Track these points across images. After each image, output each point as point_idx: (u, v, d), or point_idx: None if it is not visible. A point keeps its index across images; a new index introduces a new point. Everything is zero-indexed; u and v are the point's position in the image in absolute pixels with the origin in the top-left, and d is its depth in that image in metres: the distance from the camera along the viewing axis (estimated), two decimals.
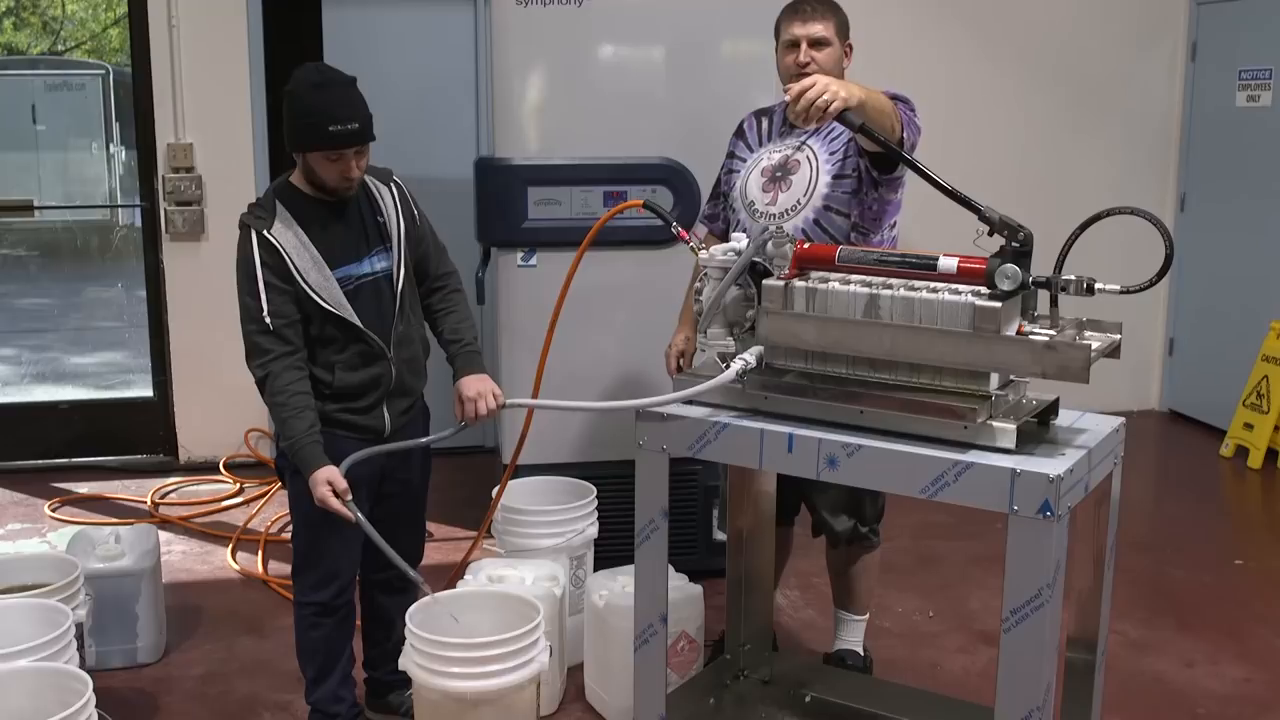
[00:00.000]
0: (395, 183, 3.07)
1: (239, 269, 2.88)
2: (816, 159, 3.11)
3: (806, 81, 2.57)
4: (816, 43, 3.08)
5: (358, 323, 2.92)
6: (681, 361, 3.32)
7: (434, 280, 3.13)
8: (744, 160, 3.29)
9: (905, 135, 2.85)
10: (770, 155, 3.21)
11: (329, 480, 2.79)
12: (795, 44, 3.10)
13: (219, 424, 5.56)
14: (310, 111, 2.79)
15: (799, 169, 3.13)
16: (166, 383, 5.59)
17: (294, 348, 2.87)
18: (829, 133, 3.11)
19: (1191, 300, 6.47)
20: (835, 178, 3.08)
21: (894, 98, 2.90)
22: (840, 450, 2.30)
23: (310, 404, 2.86)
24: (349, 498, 2.81)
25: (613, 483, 3.74)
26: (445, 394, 3.09)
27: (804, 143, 3.15)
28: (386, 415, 3.02)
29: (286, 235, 2.85)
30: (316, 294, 2.86)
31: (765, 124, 3.30)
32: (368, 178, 2.98)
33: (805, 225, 3.08)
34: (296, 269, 2.84)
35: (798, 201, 3.11)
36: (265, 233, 2.84)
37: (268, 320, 2.83)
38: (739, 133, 3.36)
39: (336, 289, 2.89)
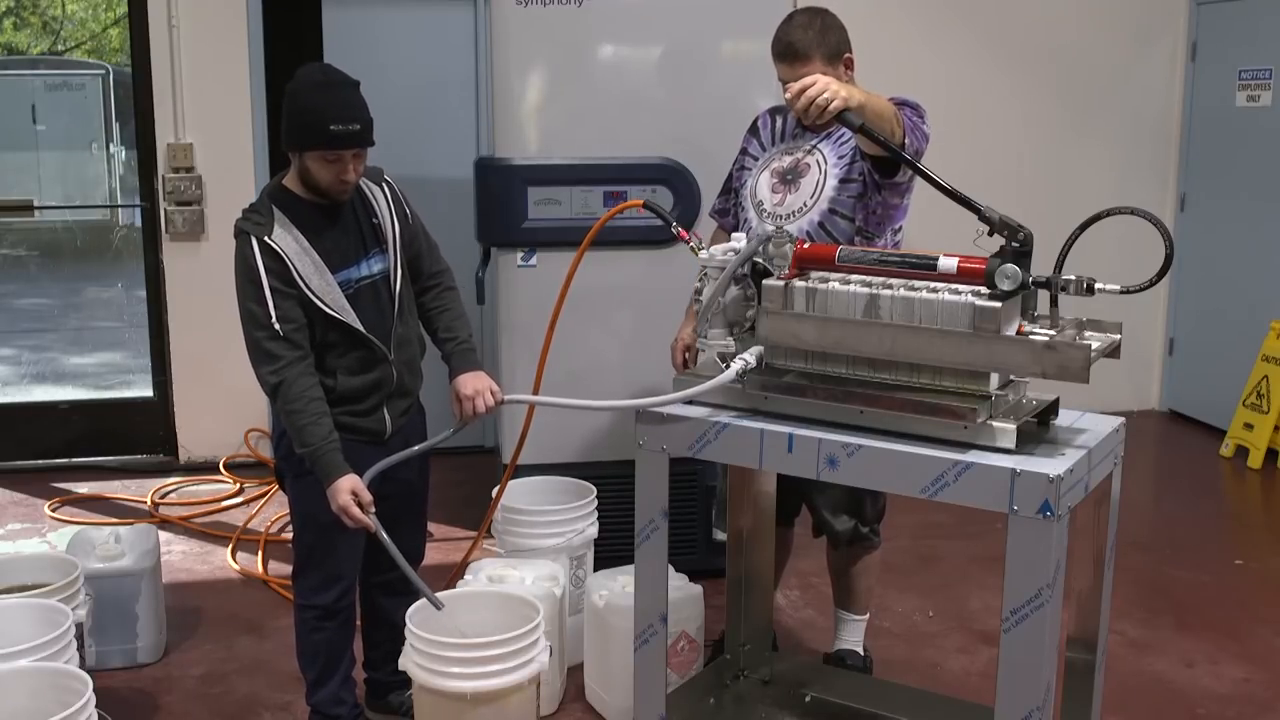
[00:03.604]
0: (387, 182, 3.05)
1: (240, 276, 2.85)
2: (825, 162, 3.11)
3: (807, 80, 2.57)
4: None
5: (360, 328, 2.91)
6: (688, 356, 3.31)
7: (427, 279, 3.12)
8: (756, 158, 3.29)
9: (908, 140, 2.84)
10: (782, 157, 3.20)
11: (353, 490, 2.79)
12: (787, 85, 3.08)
13: (219, 424, 5.56)
14: (311, 110, 2.77)
15: (808, 172, 3.13)
16: (166, 383, 5.59)
17: (304, 353, 2.85)
18: (839, 137, 3.11)
19: (1191, 300, 6.47)
20: (841, 181, 3.08)
21: (903, 104, 2.89)
22: (840, 450, 2.30)
23: (326, 410, 2.84)
24: (373, 510, 2.81)
25: (613, 483, 3.74)
26: (442, 393, 3.09)
27: (815, 146, 3.15)
28: (387, 417, 3.02)
29: (287, 241, 2.83)
30: (320, 299, 2.85)
31: (780, 123, 3.29)
32: (360, 179, 2.97)
33: (810, 228, 3.08)
34: (299, 275, 2.82)
35: (804, 204, 3.11)
36: (267, 239, 2.81)
37: (277, 326, 2.80)
38: (753, 129, 3.35)
39: (339, 293, 2.88)
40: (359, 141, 2.80)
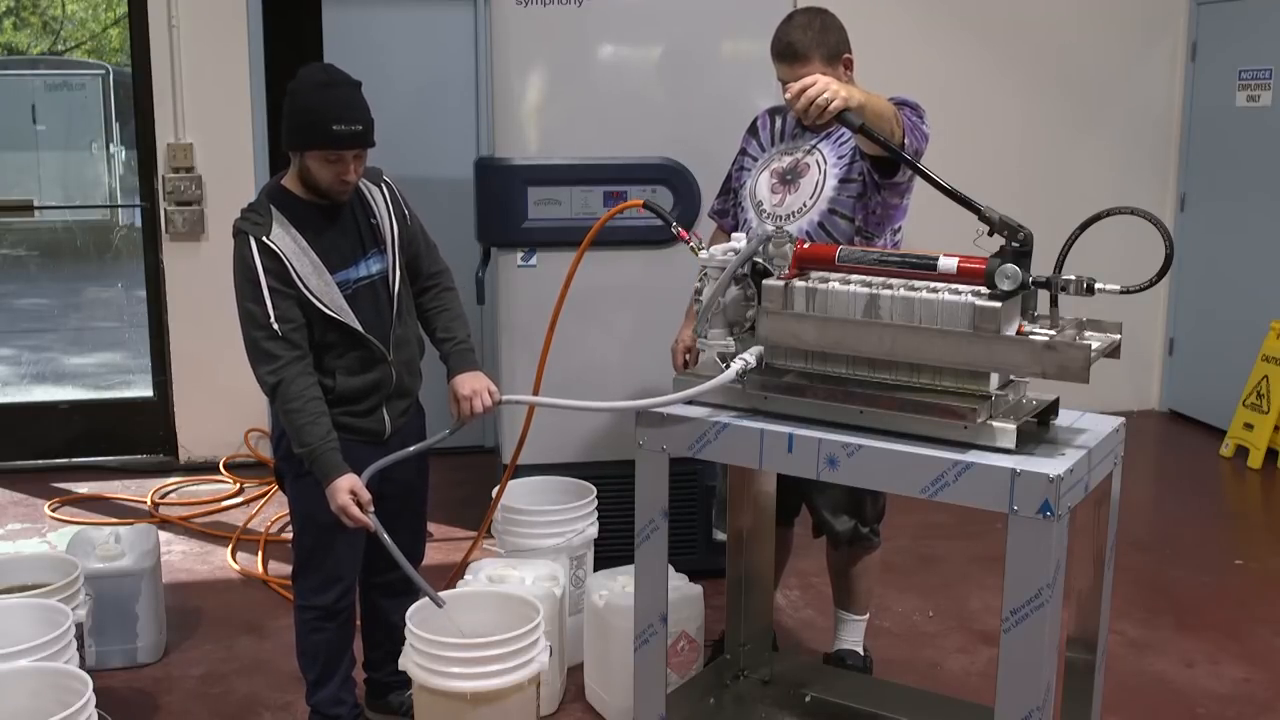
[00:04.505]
0: (386, 182, 3.05)
1: (239, 276, 2.85)
2: (825, 163, 3.11)
3: (807, 80, 2.58)
4: None
5: (359, 328, 2.90)
6: (688, 358, 3.31)
7: (426, 279, 3.11)
8: (755, 159, 3.28)
9: (907, 140, 2.84)
10: (781, 158, 3.20)
11: (352, 490, 2.79)
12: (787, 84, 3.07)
13: (219, 424, 5.56)
14: (314, 109, 2.77)
15: (808, 172, 3.13)
16: (166, 383, 5.59)
17: (303, 352, 2.85)
18: (838, 137, 3.11)
19: (1191, 300, 6.47)
20: (841, 181, 3.08)
21: (902, 103, 2.89)
22: (840, 450, 2.30)
23: (324, 410, 2.84)
24: (372, 509, 2.81)
25: (613, 483, 3.74)
26: (441, 393, 3.09)
27: (814, 146, 3.14)
28: (386, 417, 3.02)
29: (286, 241, 2.82)
30: (318, 300, 2.84)
31: (779, 123, 3.29)
32: (360, 179, 2.96)
33: (810, 228, 3.08)
34: (298, 275, 2.82)
35: (804, 204, 3.11)
36: (265, 239, 2.81)
37: (275, 326, 2.79)
38: (752, 129, 3.35)
39: (337, 294, 2.88)
40: (361, 142, 2.80)
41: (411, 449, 2.97)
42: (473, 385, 3.00)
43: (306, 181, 2.87)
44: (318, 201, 2.89)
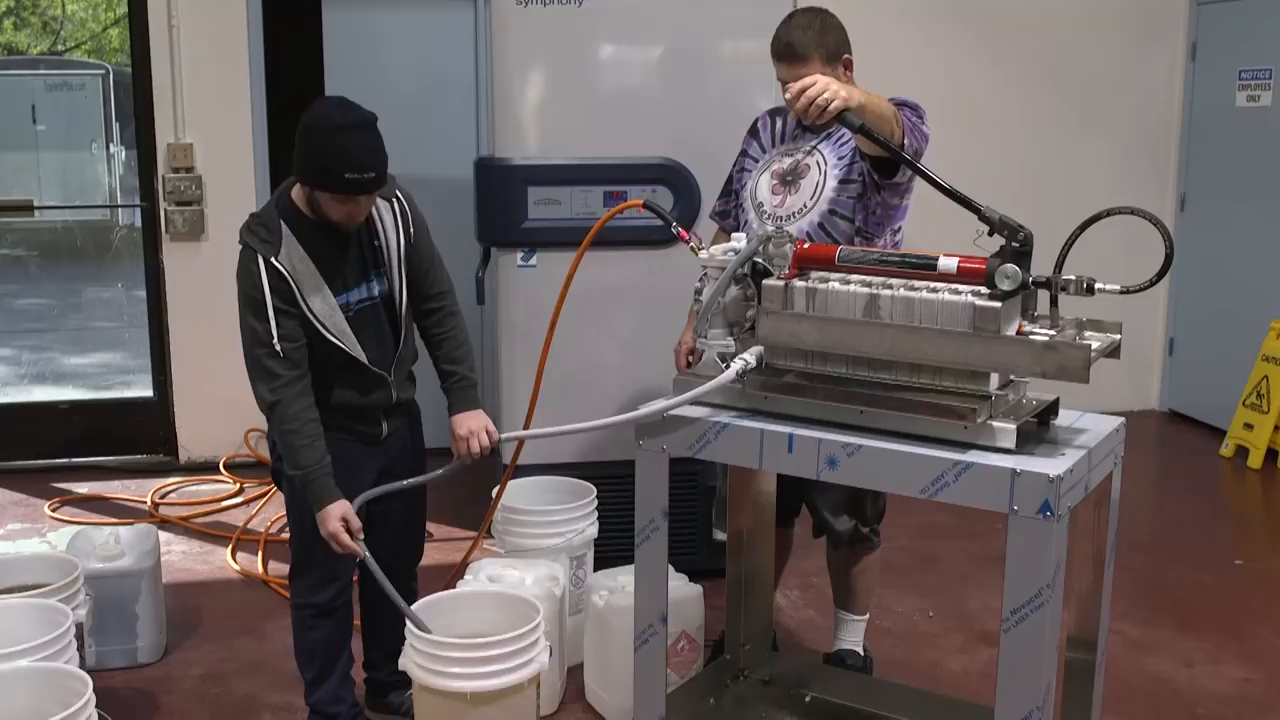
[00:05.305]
0: (398, 196, 2.98)
1: (244, 291, 2.82)
2: (825, 163, 3.11)
3: (807, 80, 2.57)
4: None
5: (362, 358, 2.90)
6: (691, 359, 3.30)
7: (427, 300, 3.06)
8: (756, 160, 3.29)
9: (907, 141, 2.84)
10: (781, 159, 3.20)
11: (343, 517, 2.80)
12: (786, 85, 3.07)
13: (219, 424, 5.56)
14: (329, 154, 2.70)
15: (808, 173, 3.13)
16: (166, 383, 5.60)
17: (303, 371, 2.83)
18: (839, 138, 3.11)
19: (1191, 300, 6.47)
20: (841, 182, 3.08)
21: (902, 104, 2.89)
22: (840, 450, 2.30)
23: (320, 432, 2.83)
24: (362, 536, 2.82)
25: (613, 483, 3.74)
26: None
27: (815, 147, 3.14)
28: (384, 423, 3.03)
29: (294, 263, 2.80)
30: (322, 324, 2.83)
31: (779, 124, 3.29)
32: None
33: (810, 228, 3.08)
34: (303, 298, 2.81)
35: (804, 205, 3.11)
36: (273, 260, 2.78)
37: (278, 346, 2.78)
38: (753, 131, 3.35)
39: (340, 317, 2.86)
40: (372, 188, 2.76)
41: (405, 483, 2.99)
42: (470, 425, 3.00)
43: (315, 209, 2.84)
44: (324, 223, 2.86)
